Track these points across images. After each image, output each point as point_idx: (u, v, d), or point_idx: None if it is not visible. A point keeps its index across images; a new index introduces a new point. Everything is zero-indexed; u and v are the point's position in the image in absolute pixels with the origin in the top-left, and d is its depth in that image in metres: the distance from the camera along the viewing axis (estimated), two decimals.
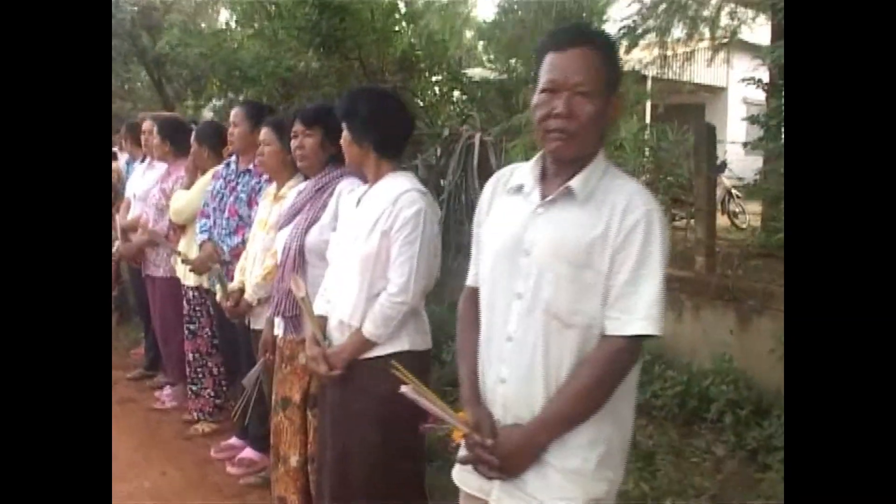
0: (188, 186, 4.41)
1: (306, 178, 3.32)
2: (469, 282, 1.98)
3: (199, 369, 4.37)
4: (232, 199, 3.85)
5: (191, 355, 4.36)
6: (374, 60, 7.53)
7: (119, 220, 5.46)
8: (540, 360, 1.71)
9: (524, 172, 1.85)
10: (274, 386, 3.09)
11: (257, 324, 3.44)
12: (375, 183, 2.56)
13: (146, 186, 5.19)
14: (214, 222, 3.93)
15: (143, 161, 5.60)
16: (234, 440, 4.09)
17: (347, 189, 2.90)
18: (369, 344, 2.46)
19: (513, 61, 8.12)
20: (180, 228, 4.43)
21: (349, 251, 2.50)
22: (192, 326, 4.32)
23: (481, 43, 11.27)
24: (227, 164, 3.99)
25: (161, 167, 5.11)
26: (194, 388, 4.41)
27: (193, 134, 4.42)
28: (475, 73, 8.69)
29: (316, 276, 2.84)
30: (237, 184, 3.87)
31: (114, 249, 5.78)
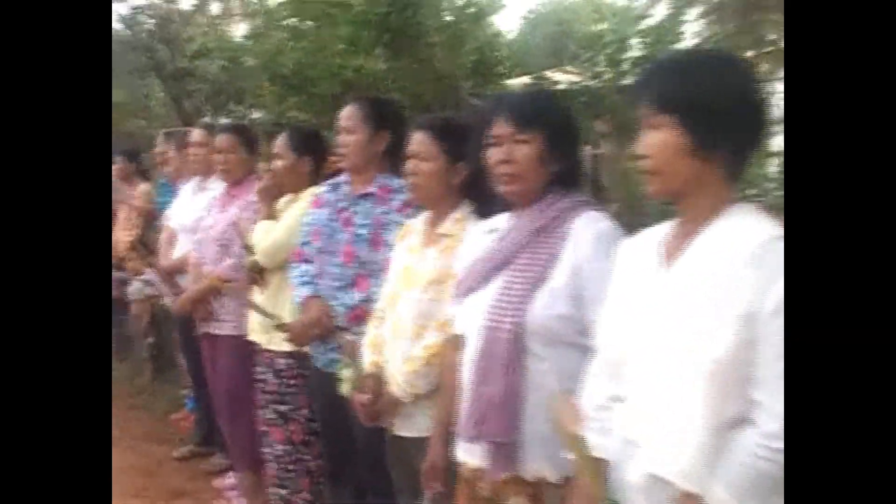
0: (268, 216, 3.28)
1: (480, 210, 2.23)
2: None
3: (291, 466, 3.11)
4: (347, 235, 2.71)
5: (280, 447, 3.10)
6: (446, 64, 6.47)
7: (162, 258, 4.38)
8: None
9: None
10: None
11: (406, 430, 2.28)
12: (707, 222, 1.45)
13: (197, 214, 4.10)
14: (321, 270, 2.80)
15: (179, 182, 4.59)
16: None
17: (594, 230, 1.80)
18: None
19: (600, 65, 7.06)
20: (258, 273, 3.29)
21: (669, 352, 1.39)
22: (282, 408, 3.09)
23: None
24: (335, 186, 2.85)
25: (216, 188, 4.02)
26: (283, 491, 3.13)
27: (286, 142, 3.25)
28: (558, 77, 7.62)
29: (541, 373, 1.75)
30: (353, 214, 2.73)
31: (148, 291, 4.85)
